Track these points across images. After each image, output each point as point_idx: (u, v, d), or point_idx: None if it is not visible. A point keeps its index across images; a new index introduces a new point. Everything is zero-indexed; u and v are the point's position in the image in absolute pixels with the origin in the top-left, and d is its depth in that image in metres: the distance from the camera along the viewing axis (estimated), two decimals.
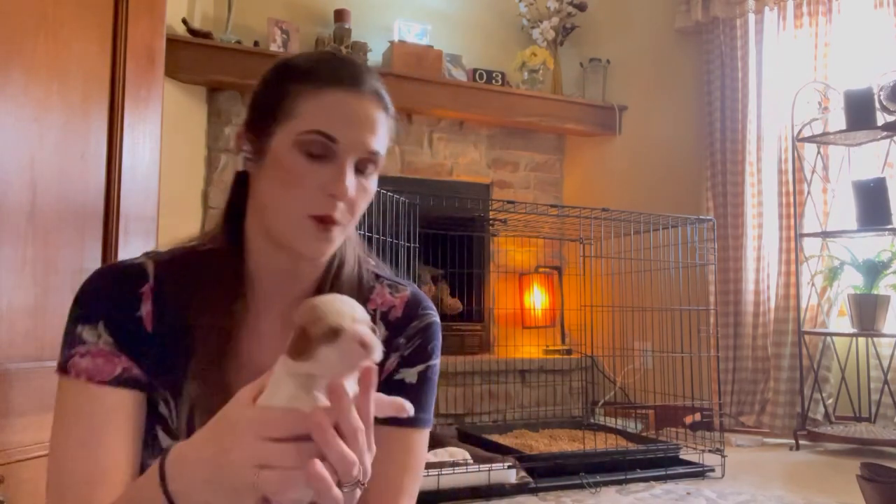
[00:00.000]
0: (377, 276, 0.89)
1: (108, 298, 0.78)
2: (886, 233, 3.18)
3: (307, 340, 0.58)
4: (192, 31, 3.26)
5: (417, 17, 3.95)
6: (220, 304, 0.78)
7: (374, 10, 3.89)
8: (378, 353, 0.59)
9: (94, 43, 1.45)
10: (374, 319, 0.85)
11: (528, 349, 3.94)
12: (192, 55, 3.21)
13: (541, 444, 2.99)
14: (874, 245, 3.28)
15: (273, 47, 3.47)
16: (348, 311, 0.60)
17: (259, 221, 0.80)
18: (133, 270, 0.80)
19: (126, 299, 0.78)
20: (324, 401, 0.58)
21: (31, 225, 1.30)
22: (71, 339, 0.77)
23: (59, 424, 0.74)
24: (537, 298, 4.03)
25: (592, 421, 3.50)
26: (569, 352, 3.96)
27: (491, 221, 3.48)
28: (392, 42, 3.76)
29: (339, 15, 3.68)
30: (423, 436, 0.86)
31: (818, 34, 3.50)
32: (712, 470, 2.72)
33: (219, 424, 0.59)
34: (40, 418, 1.30)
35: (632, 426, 3.44)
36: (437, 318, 0.89)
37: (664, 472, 2.66)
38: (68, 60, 1.39)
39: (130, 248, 1.50)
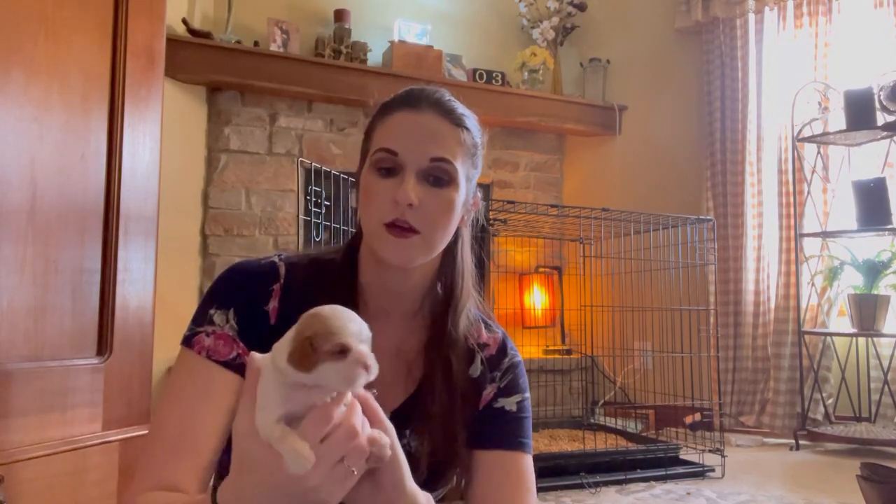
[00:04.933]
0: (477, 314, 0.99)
1: (244, 290, 0.87)
2: (886, 233, 3.18)
3: (313, 353, 0.60)
4: (192, 31, 3.26)
5: (417, 17, 3.95)
6: None
7: (374, 10, 3.89)
8: (374, 375, 0.64)
9: (94, 43, 1.45)
10: (473, 352, 0.94)
11: (528, 349, 3.93)
12: (192, 55, 3.21)
13: (541, 444, 2.99)
14: (874, 245, 3.28)
15: (273, 47, 3.47)
16: (355, 330, 0.63)
17: (366, 243, 0.90)
18: (268, 269, 0.89)
19: (258, 293, 0.87)
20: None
21: (31, 225, 1.30)
22: (201, 319, 0.85)
23: (169, 389, 0.83)
24: (537, 298, 4.03)
25: (592, 421, 3.50)
26: (569, 352, 3.96)
27: (491, 221, 3.48)
28: (392, 42, 3.76)
29: (339, 15, 3.68)
30: (530, 460, 0.93)
31: (818, 34, 3.50)
32: (712, 470, 2.72)
33: (251, 470, 0.64)
34: (40, 418, 1.30)
35: (632, 426, 3.44)
36: (521, 359, 1.00)
37: (664, 472, 2.65)
38: (68, 60, 1.39)
39: (130, 248, 1.50)
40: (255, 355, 0.68)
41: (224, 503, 0.66)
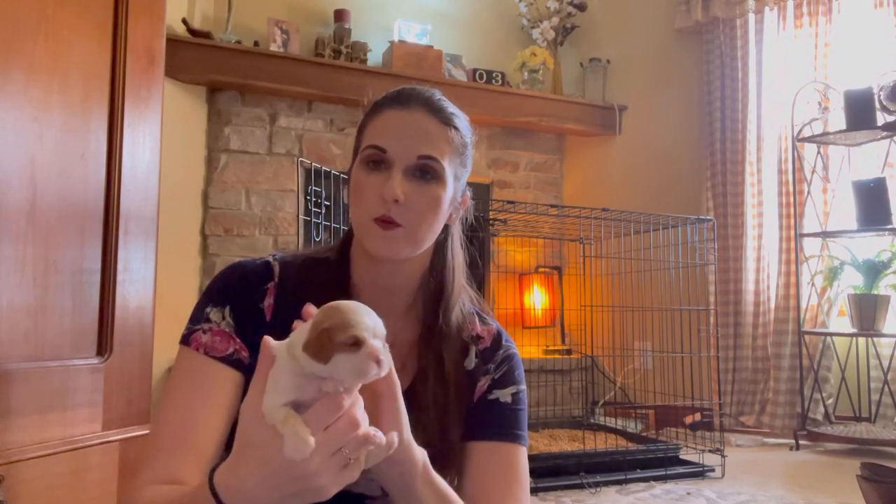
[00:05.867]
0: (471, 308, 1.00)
1: (239, 288, 0.89)
2: (886, 233, 3.18)
3: (329, 343, 0.62)
4: (192, 31, 3.26)
5: (417, 17, 3.95)
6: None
7: (374, 10, 3.89)
8: (386, 371, 0.66)
9: (94, 43, 1.45)
10: (468, 345, 0.96)
11: (528, 349, 3.93)
12: (192, 55, 3.21)
13: (541, 444, 2.99)
14: (874, 245, 3.28)
15: (273, 47, 3.47)
16: (371, 325, 0.65)
17: (356, 239, 0.92)
18: (263, 268, 0.92)
19: (254, 292, 0.89)
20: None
21: (31, 225, 1.30)
22: (198, 317, 0.87)
23: (170, 387, 0.85)
24: (537, 298, 4.03)
25: (592, 421, 3.50)
26: (569, 352, 3.96)
27: (491, 221, 3.48)
28: (392, 42, 3.76)
29: (339, 15, 3.68)
30: (524, 452, 0.94)
31: (818, 34, 3.50)
32: (712, 470, 2.72)
33: (252, 451, 0.66)
34: (40, 418, 1.30)
35: (632, 426, 3.44)
36: (517, 351, 1.01)
37: (664, 472, 2.65)
38: (68, 60, 1.39)
39: (130, 248, 1.50)
40: (270, 340, 0.69)
41: (221, 483, 0.66)
